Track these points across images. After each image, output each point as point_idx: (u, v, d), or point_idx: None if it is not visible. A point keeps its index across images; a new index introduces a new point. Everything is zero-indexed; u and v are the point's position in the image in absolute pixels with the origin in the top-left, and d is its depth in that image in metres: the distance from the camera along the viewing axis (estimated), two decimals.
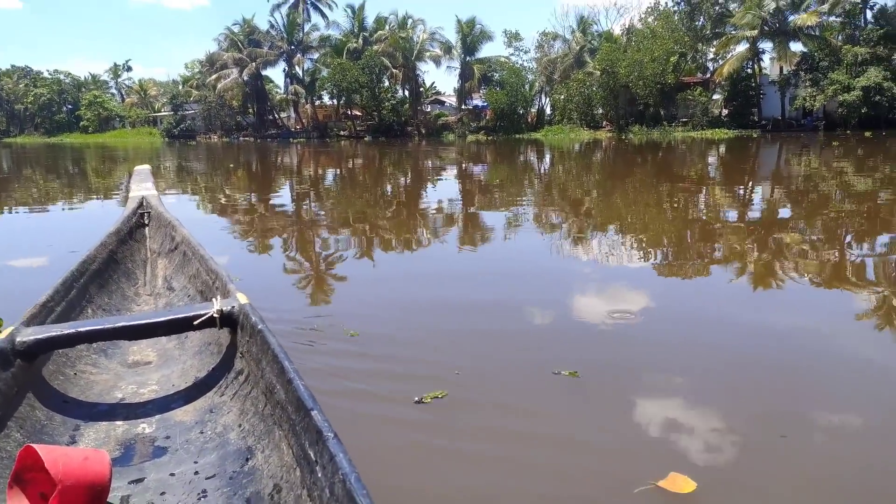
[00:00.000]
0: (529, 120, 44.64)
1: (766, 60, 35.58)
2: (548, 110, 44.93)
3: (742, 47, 34.18)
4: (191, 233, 3.33)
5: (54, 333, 1.95)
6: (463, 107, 46.58)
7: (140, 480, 1.61)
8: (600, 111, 39.84)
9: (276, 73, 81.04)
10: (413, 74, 45.86)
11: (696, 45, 37.16)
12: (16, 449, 1.62)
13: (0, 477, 1.49)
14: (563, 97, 40.30)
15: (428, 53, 45.22)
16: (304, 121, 51.70)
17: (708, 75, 37.40)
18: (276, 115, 53.70)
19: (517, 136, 40.76)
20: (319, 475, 1.27)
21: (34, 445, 1.41)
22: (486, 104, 44.96)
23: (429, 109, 50.07)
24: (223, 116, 52.37)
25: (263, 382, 1.78)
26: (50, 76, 78.87)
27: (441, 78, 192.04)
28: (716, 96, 36.55)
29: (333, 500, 1.18)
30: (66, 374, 2.14)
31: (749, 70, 34.92)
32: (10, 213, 8.71)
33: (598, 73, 37.10)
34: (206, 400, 2.03)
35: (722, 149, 21.61)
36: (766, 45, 34.11)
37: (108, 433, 1.88)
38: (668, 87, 34.92)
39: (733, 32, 34.47)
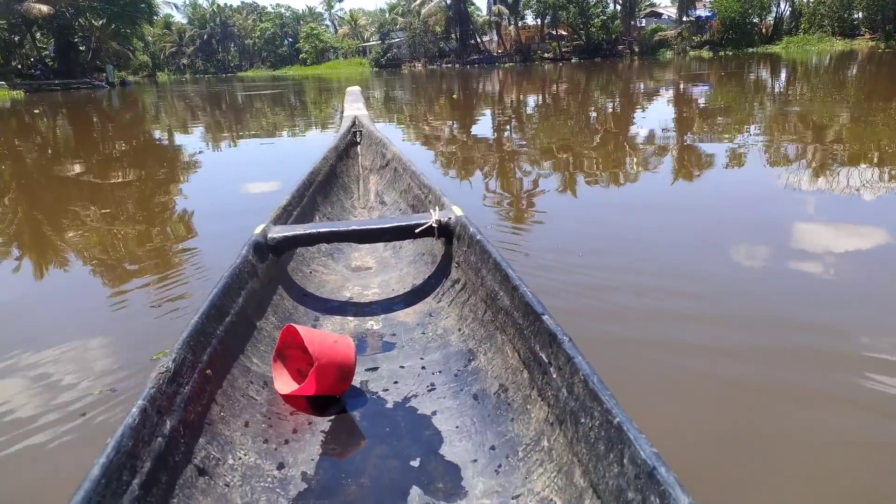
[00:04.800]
0: (764, 31, 39.62)
1: None
2: (787, 17, 39.38)
3: None
4: (401, 150, 3.59)
5: (299, 232, 2.25)
6: (684, 19, 42.65)
7: (374, 369, 1.83)
8: (859, 15, 33.93)
9: None
10: None
11: None
12: (274, 330, 1.93)
13: (265, 353, 1.80)
14: (811, 0, 34.90)
15: None
16: (506, 44, 51.39)
17: None
18: (478, 40, 54.06)
19: (749, 49, 36.56)
20: (554, 376, 1.35)
21: (295, 325, 1.67)
22: (712, 14, 40.72)
23: (643, 25, 46.71)
24: (426, 43, 54.11)
25: (483, 290, 1.89)
26: (273, 10, 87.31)
27: None
28: None
29: (572, 398, 1.25)
30: (303, 272, 2.47)
31: None
32: (246, 141, 10.02)
33: None
34: (424, 305, 2.22)
35: None
36: None
37: (343, 326, 2.14)
38: None
39: None
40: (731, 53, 35.92)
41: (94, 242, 4.10)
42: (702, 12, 42.75)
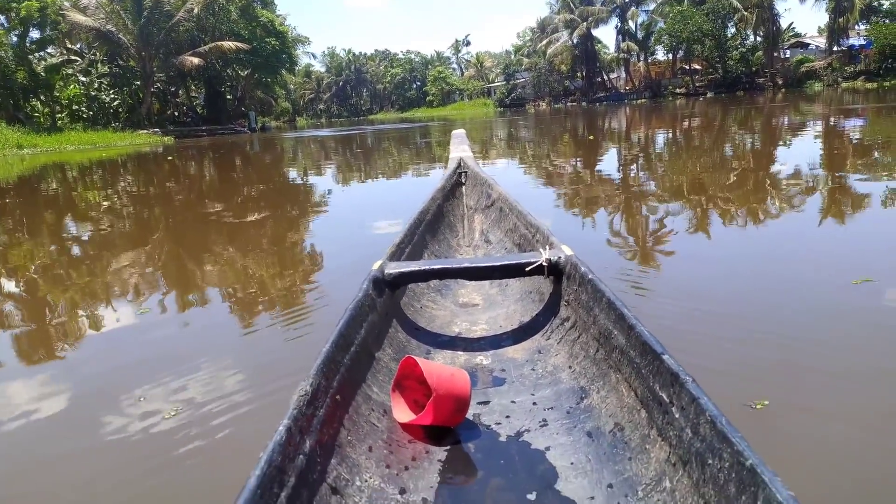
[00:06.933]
0: None
1: None
2: None
3: None
4: (506, 191, 3.67)
5: (414, 268, 2.37)
6: (835, 48, 40.02)
7: (486, 403, 1.88)
8: None
9: (605, 33, 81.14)
10: (769, 15, 41.00)
11: None
12: (390, 361, 2.03)
13: (383, 382, 1.90)
14: None
15: None
16: (634, 81, 50.68)
17: None
18: (605, 77, 53.72)
19: None
20: (677, 416, 1.34)
21: (414, 357, 1.75)
22: (867, 42, 37.90)
23: (787, 56, 44.32)
24: (552, 82, 54.51)
25: (595, 329, 1.90)
26: (403, 56, 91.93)
27: (803, 16, 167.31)
28: None
29: (698, 439, 1.24)
30: (414, 307, 2.59)
31: None
32: (373, 180, 10.50)
33: None
34: (532, 342, 2.25)
35: None
36: None
37: (453, 360, 2.22)
38: None
39: None
40: (890, 82, 33.11)
41: (230, 275, 4.42)
42: (855, 41, 39.91)
